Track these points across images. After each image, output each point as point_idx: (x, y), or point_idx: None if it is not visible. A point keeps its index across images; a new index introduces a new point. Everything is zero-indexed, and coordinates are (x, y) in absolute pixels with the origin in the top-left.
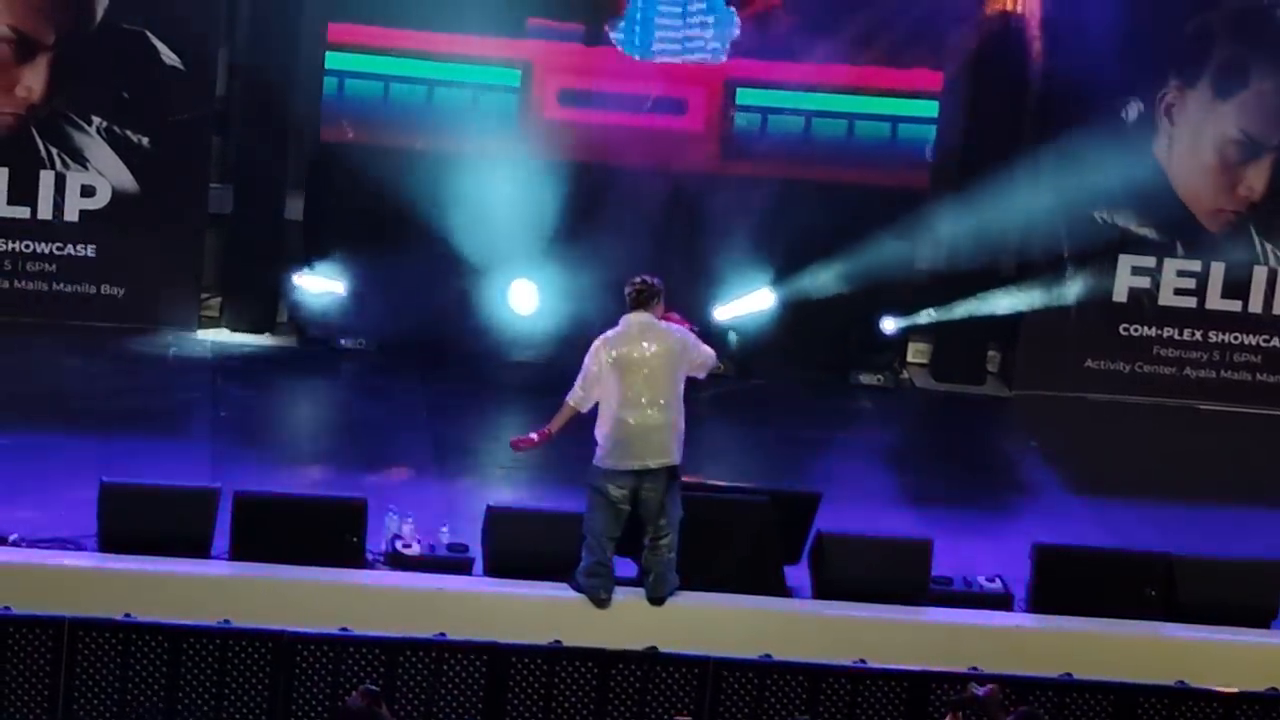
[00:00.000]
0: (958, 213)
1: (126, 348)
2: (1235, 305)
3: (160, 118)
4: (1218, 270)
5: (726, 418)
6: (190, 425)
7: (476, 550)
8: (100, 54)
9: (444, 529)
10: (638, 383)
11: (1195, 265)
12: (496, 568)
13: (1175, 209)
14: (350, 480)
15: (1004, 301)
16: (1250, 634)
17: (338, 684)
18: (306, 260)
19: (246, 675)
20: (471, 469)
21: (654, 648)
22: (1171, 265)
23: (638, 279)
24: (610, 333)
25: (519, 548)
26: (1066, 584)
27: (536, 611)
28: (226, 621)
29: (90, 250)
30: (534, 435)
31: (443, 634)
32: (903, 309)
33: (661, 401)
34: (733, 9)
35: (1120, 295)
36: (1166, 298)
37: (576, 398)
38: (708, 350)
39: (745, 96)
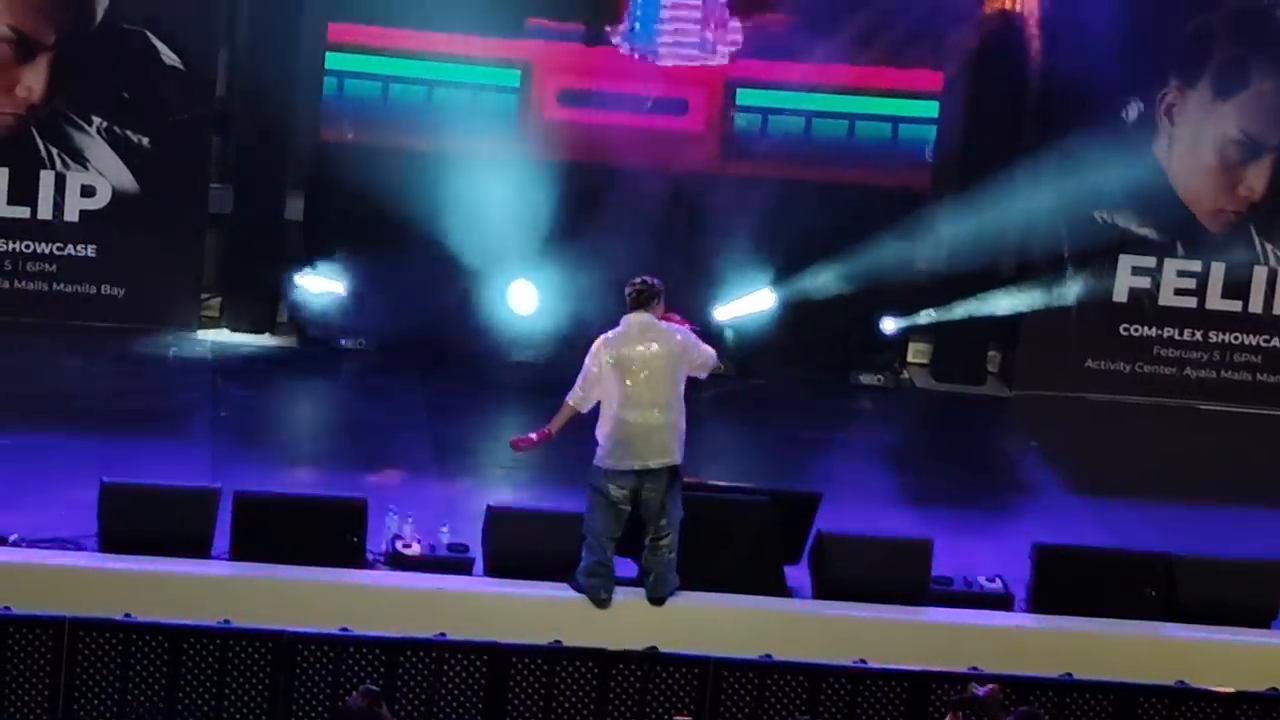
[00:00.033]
0: (958, 213)
1: (126, 348)
2: (1235, 305)
3: (160, 118)
4: (1218, 270)
5: (726, 418)
6: (190, 425)
7: (476, 550)
8: (100, 54)
9: (444, 529)
10: (638, 383)
11: (1195, 265)
12: (496, 568)
13: (1175, 209)
14: (350, 480)
15: (1004, 301)
16: (1250, 634)
17: (338, 684)
18: (306, 260)
19: (246, 675)
20: (471, 469)
21: (654, 648)
22: (1172, 265)
23: (638, 279)
24: (611, 333)
25: (519, 548)
26: (1066, 584)
27: (536, 611)
28: (227, 621)
29: (90, 250)
30: (534, 435)
31: (443, 634)
32: (903, 309)
33: (663, 402)
34: (735, 18)
35: (1120, 295)
36: (1167, 298)
37: (576, 398)
38: (709, 350)
39: (745, 97)
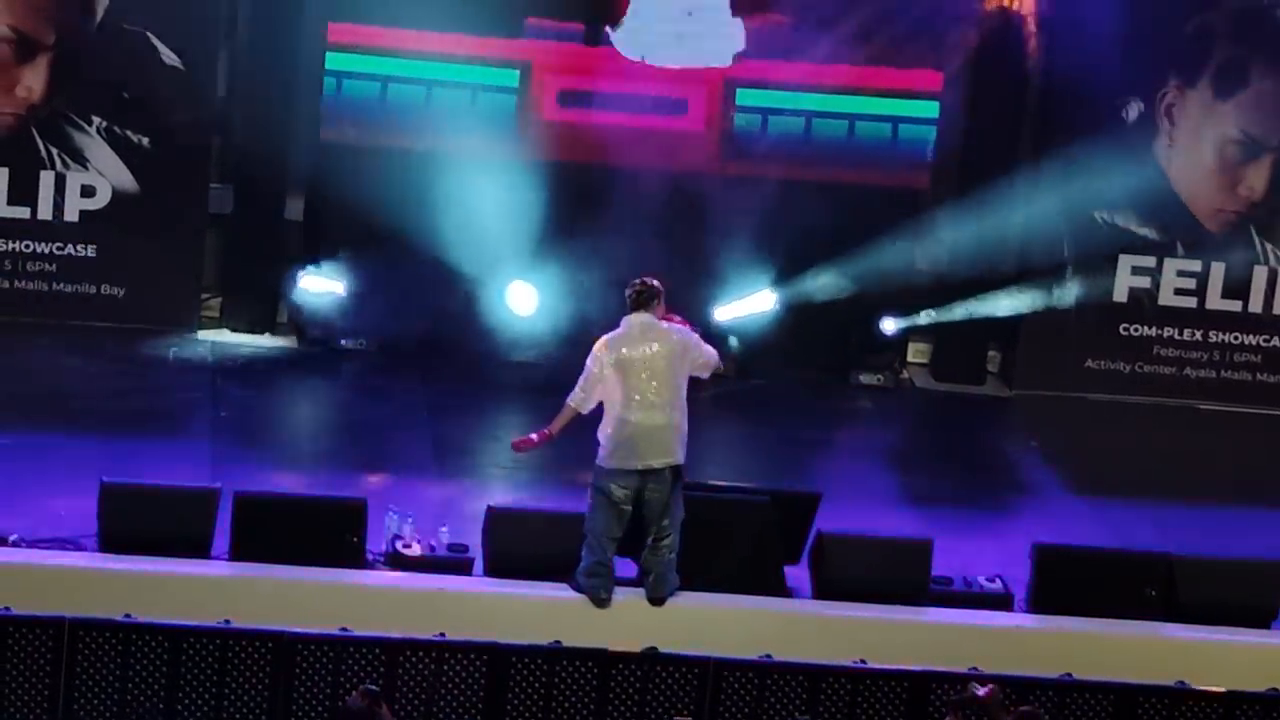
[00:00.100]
0: (958, 213)
1: (127, 348)
2: (1235, 305)
3: (160, 118)
4: (1218, 270)
5: (727, 418)
6: (190, 425)
7: (476, 550)
8: (100, 54)
9: (444, 529)
10: (640, 383)
11: (1195, 265)
12: (496, 568)
13: (1175, 209)
14: (350, 481)
15: (1004, 301)
16: (1250, 634)
17: (338, 684)
18: (306, 260)
19: (246, 675)
20: (471, 469)
21: (654, 648)
22: (1172, 265)
23: (638, 280)
24: (611, 334)
25: (519, 548)
26: (1066, 584)
27: (536, 611)
28: (227, 621)
29: (90, 250)
30: (534, 436)
31: (443, 634)
32: (903, 309)
33: (665, 402)
34: (738, 18)
35: (1120, 295)
36: (1167, 298)
37: (577, 399)
38: (710, 350)
39: (745, 97)
